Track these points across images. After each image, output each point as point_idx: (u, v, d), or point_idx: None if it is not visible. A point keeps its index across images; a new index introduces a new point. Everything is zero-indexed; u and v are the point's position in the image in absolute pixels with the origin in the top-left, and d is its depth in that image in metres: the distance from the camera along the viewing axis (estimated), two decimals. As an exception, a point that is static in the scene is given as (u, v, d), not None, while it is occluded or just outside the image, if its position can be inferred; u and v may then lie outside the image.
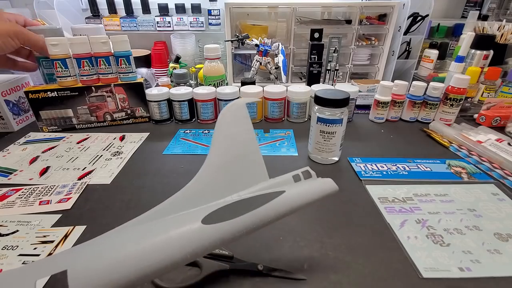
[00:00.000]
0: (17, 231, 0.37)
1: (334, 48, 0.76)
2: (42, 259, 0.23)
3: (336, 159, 0.52)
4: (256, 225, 0.24)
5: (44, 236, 0.36)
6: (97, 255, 0.21)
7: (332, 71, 0.78)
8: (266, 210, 0.24)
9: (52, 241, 0.35)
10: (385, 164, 0.51)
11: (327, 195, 0.26)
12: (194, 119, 0.70)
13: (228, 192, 0.26)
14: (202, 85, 0.77)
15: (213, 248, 0.23)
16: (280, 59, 0.78)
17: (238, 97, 0.67)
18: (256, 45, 0.79)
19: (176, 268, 0.22)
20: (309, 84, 0.74)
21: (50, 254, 0.34)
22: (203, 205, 0.25)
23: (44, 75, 0.65)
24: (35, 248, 0.34)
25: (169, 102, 0.67)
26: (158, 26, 0.94)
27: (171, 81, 0.79)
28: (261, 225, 0.24)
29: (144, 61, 0.92)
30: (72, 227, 0.38)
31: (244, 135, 0.28)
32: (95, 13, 0.95)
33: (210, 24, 0.95)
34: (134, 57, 0.64)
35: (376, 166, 0.51)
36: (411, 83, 0.66)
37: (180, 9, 0.95)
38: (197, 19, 0.94)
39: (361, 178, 0.48)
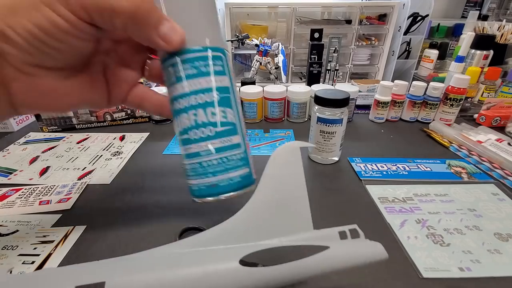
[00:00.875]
0: (17, 231, 0.37)
1: (334, 48, 0.76)
2: (82, 264, 0.23)
3: (336, 159, 0.52)
4: (292, 277, 0.23)
5: (44, 236, 0.36)
6: (135, 273, 0.21)
7: (332, 71, 0.78)
8: (306, 264, 0.23)
9: (52, 241, 0.35)
10: (385, 164, 0.51)
11: (374, 262, 0.23)
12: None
13: (270, 235, 0.26)
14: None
15: None
16: (280, 59, 0.78)
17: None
18: (256, 45, 0.79)
19: None
20: (309, 84, 0.74)
21: (50, 254, 0.34)
22: (244, 243, 0.25)
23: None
24: (35, 248, 0.34)
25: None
26: (158, 26, 0.94)
27: (171, 81, 0.79)
28: (297, 278, 0.23)
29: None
30: (72, 227, 0.38)
31: (294, 179, 0.27)
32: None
33: (210, 24, 0.95)
34: (134, 57, 0.64)
35: (376, 166, 0.51)
36: (411, 83, 0.66)
37: (180, 9, 0.95)
38: (197, 19, 0.94)
39: (361, 178, 0.48)
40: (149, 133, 0.64)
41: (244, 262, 0.22)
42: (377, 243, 0.24)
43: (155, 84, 0.81)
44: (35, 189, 0.45)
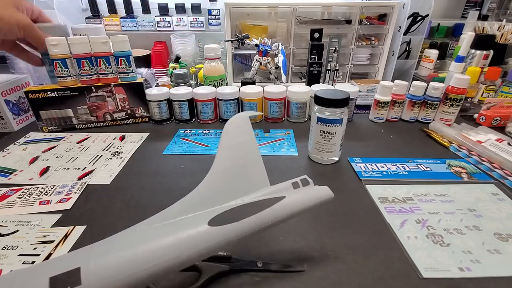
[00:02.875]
0: (17, 231, 0.37)
1: (334, 48, 0.76)
2: (55, 257, 0.23)
3: (336, 159, 0.52)
4: (258, 227, 0.26)
5: (44, 236, 0.36)
6: (109, 254, 0.22)
7: (332, 71, 0.78)
8: (267, 214, 0.26)
9: (52, 241, 0.35)
10: (385, 164, 0.51)
11: (324, 202, 0.28)
12: (194, 119, 0.70)
13: (233, 197, 0.28)
14: (202, 85, 0.77)
15: (218, 249, 0.24)
16: (280, 59, 0.78)
17: (237, 97, 0.67)
18: (256, 45, 0.79)
19: (182, 268, 0.23)
20: (309, 84, 0.74)
21: (50, 254, 0.34)
22: (210, 208, 0.27)
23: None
24: (35, 248, 0.34)
25: (169, 102, 0.67)
26: (158, 26, 0.94)
27: (171, 81, 0.79)
28: (263, 228, 0.26)
29: (144, 61, 0.92)
30: (72, 227, 0.38)
31: (247, 145, 0.31)
32: (95, 13, 0.96)
33: (210, 24, 0.96)
34: (134, 57, 0.64)
35: (376, 166, 0.51)
36: (411, 83, 0.66)
37: (180, 9, 0.95)
38: (197, 19, 0.94)
39: (361, 178, 0.48)
40: (149, 133, 0.64)
41: (213, 223, 0.24)
42: (325, 186, 0.29)
43: (155, 84, 0.81)
44: (35, 189, 0.45)
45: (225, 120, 0.68)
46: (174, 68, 0.83)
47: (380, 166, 0.51)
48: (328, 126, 0.48)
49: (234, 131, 0.31)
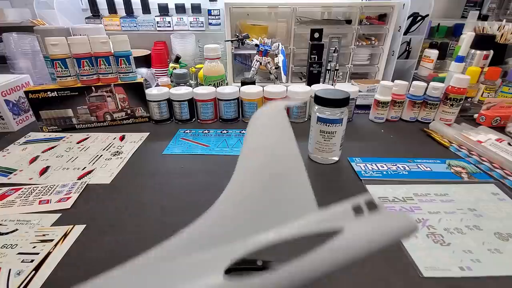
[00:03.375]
0: (17, 230, 0.37)
1: (334, 48, 0.76)
2: None
3: (336, 159, 0.52)
4: (298, 283, 0.16)
5: (44, 235, 0.36)
6: None
7: (332, 71, 0.78)
8: (314, 262, 0.17)
9: (51, 240, 0.35)
10: (385, 164, 0.51)
11: (403, 238, 0.18)
12: (194, 119, 0.70)
13: (262, 226, 0.19)
14: (202, 85, 0.77)
15: None
16: (280, 59, 0.78)
17: (237, 97, 0.67)
18: (256, 45, 0.79)
19: None
20: (309, 84, 0.74)
21: (49, 253, 0.34)
22: (227, 242, 0.18)
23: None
24: (34, 247, 0.34)
25: (169, 102, 0.67)
26: (158, 26, 0.95)
27: (171, 81, 0.79)
28: (305, 283, 0.16)
29: (144, 61, 0.92)
30: (72, 226, 0.38)
31: (285, 147, 0.20)
32: (95, 13, 0.96)
33: (210, 24, 0.96)
34: (134, 57, 0.64)
35: (376, 166, 0.51)
36: (411, 83, 0.66)
37: (180, 9, 0.96)
38: (197, 19, 0.94)
39: (361, 178, 0.47)
40: (149, 133, 0.64)
41: (231, 273, 0.16)
42: (402, 213, 0.18)
43: (155, 84, 0.81)
44: (34, 188, 0.45)
45: (225, 120, 0.68)
46: (174, 68, 0.83)
47: (380, 166, 0.51)
48: (328, 126, 0.48)
49: (265, 126, 0.20)
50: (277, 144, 0.20)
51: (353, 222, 0.18)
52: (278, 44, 0.79)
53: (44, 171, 0.50)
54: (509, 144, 0.54)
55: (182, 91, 0.65)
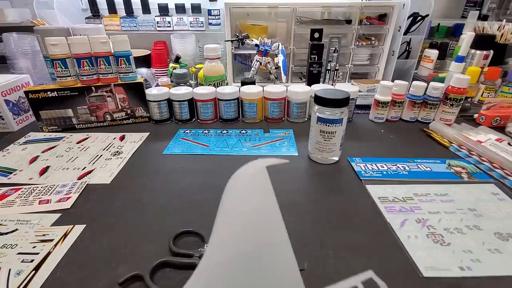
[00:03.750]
0: (17, 230, 0.37)
1: (334, 48, 0.76)
2: None
3: (336, 159, 0.52)
4: None
5: (44, 235, 0.36)
6: None
7: (332, 71, 0.78)
8: None
9: (51, 240, 0.35)
10: (385, 164, 0.51)
11: None
12: (194, 119, 0.70)
13: None
14: (202, 85, 0.77)
15: None
16: (280, 59, 0.78)
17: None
18: (256, 45, 0.79)
19: None
20: (309, 84, 0.74)
21: (49, 252, 0.34)
22: None
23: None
24: (34, 247, 0.34)
25: (169, 102, 0.67)
26: (158, 26, 0.95)
27: (171, 81, 0.79)
28: None
29: (144, 61, 0.92)
30: (72, 226, 0.38)
31: (267, 215, 0.17)
32: (95, 13, 0.96)
33: (210, 24, 0.96)
34: (134, 57, 0.64)
35: (376, 166, 0.51)
36: (411, 83, 0.66)
37: (180, 9, 0.96)
38: (197, 19, 0.94)
39: (361, 178, 0.47)
40: (149, 133, 0.64)
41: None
42: None
43: (155, 84, 0.81)
44: (34, 188, 0.45)
45: (225, 120, 0.68)
46: (174, 68, 0.83)
47: (380, 166, 0.51)
48: (328, 126, 0.48)
49: (245, 190, 0.17)
50: (258, 210, 0.17)
51: None
52: (278, 44, 0.79)
53: (44, 171, 0.50)
54: (509, 144, 0.54)
55: (182, 91, 0.65)
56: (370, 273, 0.17)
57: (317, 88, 0.61)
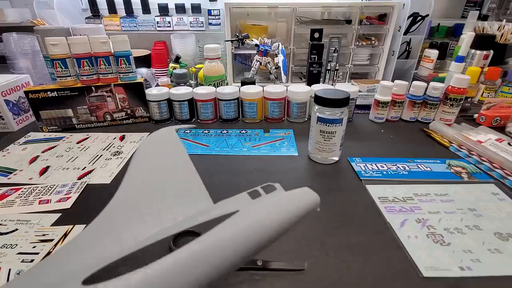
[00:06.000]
0: (17, 229, 0.37)
1: (334, 48, 0.76)
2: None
3: (336, 159, 0.52)
4: (186, 274, 0.14)
5: (44, 235, 0.36)
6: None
7: (332, 71, 0.78)
8: (205, 244, 0.14)
9: (51, 240, 0.35)
10: (385, 164, 0.51)
11: (307, 209, 0.17)
12: (194, 119, 0.70)
13: (153, 228, 0.17)
14: (202, 85, 0.77)
15: None
16: (280, 59, 0.78)
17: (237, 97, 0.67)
18: (256, 45, 0.79)
19: None
20: (309, 84, 0.74)
21: (49, 252, 0.34)
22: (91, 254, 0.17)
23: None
24: (34, 247, 0.34)
25: (169, 102, 0.67)
26: (158, 26, 0.95)
27: (171, 81, 0.79)
28: (200, 275, 0.14)
29: (144, 61, 0.92)
30: (72, 226, 0.38)
31: (175, 158, 0.20)
32: (95, 13, 0.96)
33: (210, 24, 0.96)
34: (134, 57, 0.64)
35: (376, 166, 0.51)
36: (411, 83, 0.66)
37: (180, 9, 0.96)
38: (197, 19, 0.94)
39: (361, 178, 0.47)
40: (149, 133, 0.64)
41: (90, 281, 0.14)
42: (304, 188, 0.18)
43: (155, 84, 0.81)
44: (34, 188, 0.45)
45: (225, 120, 0.68)
46: (174, 68, 0.83)
47: (380, 166, 0.51)
48: (328, 126, 0.48)
49: (154, 144, 0.21)
50: (167, 157, 0.20)
51: (249, 204, 0.17)
52: (278, 44, 0.79)
53: (44, 171, 0.50)
54: (509, 144, 0.54)
55: (182, 91, 0.65)
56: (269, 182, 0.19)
57: (317, 88, 0.61)
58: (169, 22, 0.94)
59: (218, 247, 0.14)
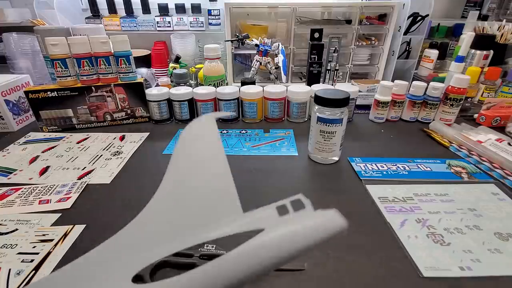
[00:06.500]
0: (17, 229, 0.37)
1: (334, 48, 0.76)
2: None
3: (336, 159, 0.52)
4: (212, 284, 0.15)
5: (44, 235, 0.36)
6: None
7: (332, 71, 0.78)
8: (227, 263, 0.15)
9: (51, 240, 0.35)
10: (385, 164, 0.51)
11: (331, 236, 0.17)
12: (194, 119, 0.69)
13: (180, 234, 0.19)
14: (202, 85, 0.77)
15: None
16: (280, 59, 0.78)
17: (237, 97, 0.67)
18: (256, 45, 0.79)
19: None
20: (309, 84, 0.74)
21: (49, 252, 0.34)
22: (146, 250, 0.18)
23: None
24: (34, 247, 0.34)
25: (169, 102, 0.67)
26: (158, 26, 0.95)
27: (171, 81, 0.79)
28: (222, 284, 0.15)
29: (144, 61, 0.92)
30: (72, 226, 0.38)
31: (211, 152, 0.20)
32: (95, 13, 0.96)
33: (210, 24, 0.96)
34: (134, 57, 0.64)
35: (376, 166, 0.51)
36: (411, 83, 0.66)
37: (180, 9, 0.96)
38: (197, 19, 0.94)
39: (361, 178, 0.47)
40: (149, 133, 0.64)
41: (140, 278, 0.15)
42: (331, 211, 0.17)
43: (155, 84, 0.81)
44: (34, 188, 0.45)
45: (225, 120, 0.68)
46: (174, 68, 0.83)
47: (380, 166, 0.51)
48: (328, 126, 0.48)
49: (195, 136, 0.21)
50: (205, 154, 0.20)
51: (276, 222, 0.17)
52: (278, 44, 0.79)
53: (44, 171, 0.50)
54: (509, 144, 0.54)
55: (182, 91, 0.65)
56: (300, 195, 0.18)
57: (317, 88, 0.61)
58: (169, 22, 0.94)
59: (234, 269, 0.15)
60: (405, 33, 0.85)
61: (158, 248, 0.17)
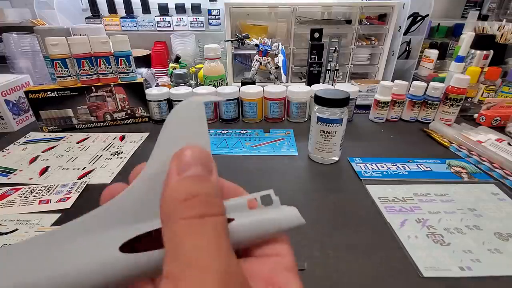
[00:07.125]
0: (17, 229, 0.37)
1: (334, 48, 0.76)
2: None
3: (336, 159, 0.52)
4: None
5: (44, 236, 0.36)
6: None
7: (332, 71, 0.78)
8: None
9: (51, 241, 0.35)
10: (385, 164, 0.51)
11: (288, 229, 0.19)
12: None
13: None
14: (202, 85, 0.77)
15: (132, 282, 0.17)
16: (280, 59, 0.78)
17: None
18: (256, 45, 0.79)
19: None
20: (309, 84, 0.74)
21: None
22: (130, 224, 0.19)
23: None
24: (34, 248, 0.34)
25: (169, 102, 0.67)
26: (158, 26, 0.94)
27: (171, 81, 0.79)
28: None
29: (144, 61, 0.92)
30: (72, 226, 0.38)
31: (194, 140, 0.21)
32: (95, 13, 0.96)
33: (210, 24, 0.96)
34: (134, 57, 0.64)
35: (376, 166, 0.51)
36: (411, 83, 0.66)
37: (180, 9, 0.96)
38: (197, 19, 0.94)
39: (361, 178, 0.47)
40: (149, 133, 0.64)
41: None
42: (292, 209, 0.19)
43: (155, 84, 0.81)
44: (34, 188, 0.45)
45: (225, 120, 0.68)
46: (174, 68, 0.83)
47: (380, 166, 0.51)
48: (328, 126, 0.48)
49: (181, 121, 0.21)
50: (190, 138, 0.20)
51: (245, 214, 0.19)
52: (278, 44, 0.79)
53: (44, 171, 0.50)
54: (509, 144, 0.54)
55: (182, 91, 0.65)
56: (270, 191, 0.20)
57: (317, 88, 0.61)
58: (169, 22, 0.94)
59: None
60: (405, 33, 0.85)
61: (151, 221, 0.18)
